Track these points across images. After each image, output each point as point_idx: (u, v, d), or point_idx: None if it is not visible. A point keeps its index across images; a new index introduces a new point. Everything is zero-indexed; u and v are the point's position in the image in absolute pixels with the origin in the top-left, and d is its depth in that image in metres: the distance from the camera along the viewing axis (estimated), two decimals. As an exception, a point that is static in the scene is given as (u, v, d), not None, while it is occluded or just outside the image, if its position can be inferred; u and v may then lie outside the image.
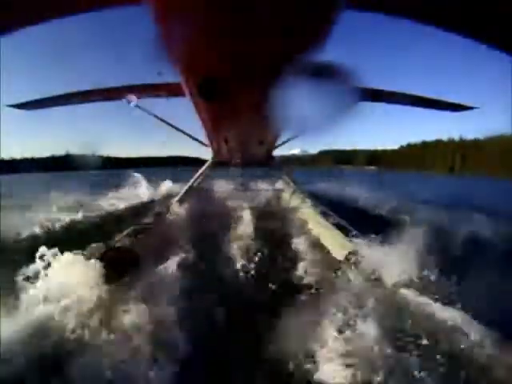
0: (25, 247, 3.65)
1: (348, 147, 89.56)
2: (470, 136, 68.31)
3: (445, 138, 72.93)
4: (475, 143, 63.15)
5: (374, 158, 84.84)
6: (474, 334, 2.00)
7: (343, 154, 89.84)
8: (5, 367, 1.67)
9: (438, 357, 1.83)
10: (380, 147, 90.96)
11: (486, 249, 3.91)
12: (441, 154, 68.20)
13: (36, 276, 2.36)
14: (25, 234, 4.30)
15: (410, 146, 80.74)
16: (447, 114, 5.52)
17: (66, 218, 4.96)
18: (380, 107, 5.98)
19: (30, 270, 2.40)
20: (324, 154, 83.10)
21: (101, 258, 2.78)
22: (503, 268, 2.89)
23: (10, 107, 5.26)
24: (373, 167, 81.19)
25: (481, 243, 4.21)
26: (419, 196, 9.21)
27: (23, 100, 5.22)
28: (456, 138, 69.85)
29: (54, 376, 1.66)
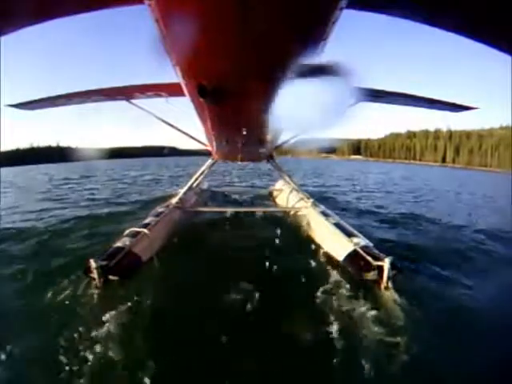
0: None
1: (331, 136, 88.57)
2: (458, 127, 68.64)
3: (431, 128, 73.91)
4: (466, 134, 63.54)
5: (359, 147, 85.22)
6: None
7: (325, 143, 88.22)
8: None
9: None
10: (364, 136, 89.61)
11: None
12: (431, 144, 68.18)
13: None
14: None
15: (396, 135, 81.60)
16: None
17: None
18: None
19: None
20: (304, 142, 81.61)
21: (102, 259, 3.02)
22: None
23: (10, 107, 5.08)
24: (360, 157, 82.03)
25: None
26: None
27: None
28: (444, 128, 70.62)
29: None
